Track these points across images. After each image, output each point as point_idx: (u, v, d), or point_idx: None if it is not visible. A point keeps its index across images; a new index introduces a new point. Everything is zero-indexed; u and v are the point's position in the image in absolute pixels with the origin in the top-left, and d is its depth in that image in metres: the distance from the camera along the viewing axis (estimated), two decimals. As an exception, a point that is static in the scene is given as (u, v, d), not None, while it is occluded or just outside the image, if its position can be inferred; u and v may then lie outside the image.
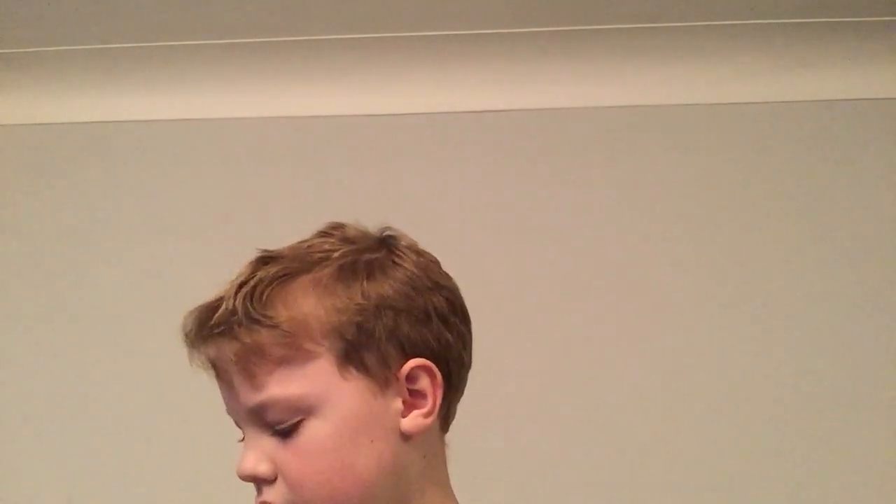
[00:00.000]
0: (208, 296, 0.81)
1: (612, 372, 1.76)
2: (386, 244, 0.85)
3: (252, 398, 0.78)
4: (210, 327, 0.78)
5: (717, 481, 1.71)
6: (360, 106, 1.90)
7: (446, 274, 0.87)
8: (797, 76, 1.87)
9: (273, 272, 0.79)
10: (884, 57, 1.85)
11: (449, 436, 0.87)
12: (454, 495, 0.86)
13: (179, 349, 0.81)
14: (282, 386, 0.76)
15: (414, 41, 1.83)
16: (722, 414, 1.74)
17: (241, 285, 0.79)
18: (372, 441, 0.77)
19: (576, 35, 1.83)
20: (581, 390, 1.75)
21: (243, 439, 0.81)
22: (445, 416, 0.85)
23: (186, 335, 0.80)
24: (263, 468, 0.77)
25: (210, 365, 0.80)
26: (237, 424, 0.82)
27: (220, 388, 0.81)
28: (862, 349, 1.75)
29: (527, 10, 1.77)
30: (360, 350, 0.78)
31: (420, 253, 0.85)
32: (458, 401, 0.87)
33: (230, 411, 0.82)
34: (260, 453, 0.78)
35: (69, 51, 1.85)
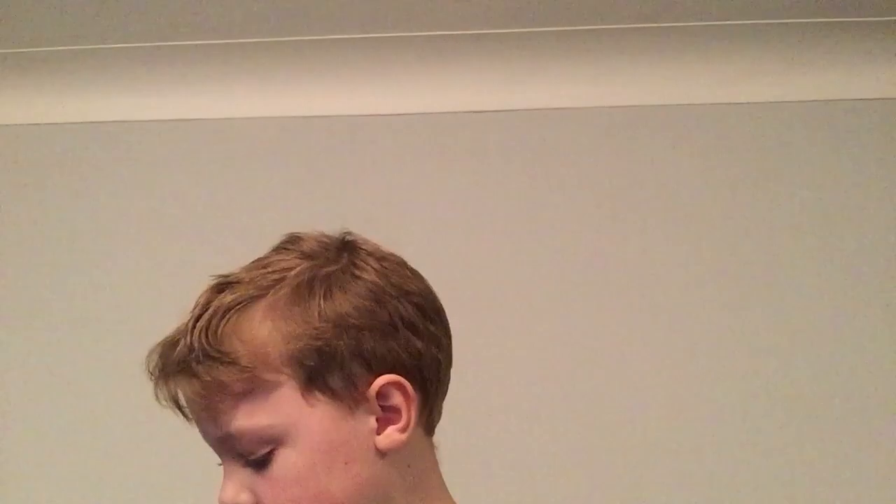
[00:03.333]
0: (172, 327, 0.79)
1: (614, 373, 1.75)
2: (346, 253, 0.81)
3: (219, 431, 0.77)
4: (170, 366, 0.77)
5: (717, 482, 1.71)
6: (360, 106, 1.90)
7: (414, 274, 0.83)
8: (797, 76, 1.87)
9: (227, 302, 0.77)
10: (884, 57, 1.84)
11: (440, 438, 0.84)
12: (450, 497, 0.84)
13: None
14: (248, 419, 0.75)
15: (414, 41, 1.83)
16: (722, 414, 1.74)
17: (196, 319, 0.77)
18: (347, 463, 0.76)
19: (576, 35, 1.82)
20: (582, 391, 1.75)
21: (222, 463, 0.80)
22: (429, 419, 0.82)
23: (150, 373, 0.79)
24: (244, 498, 0.76)
25: (174, 402, 0.78)
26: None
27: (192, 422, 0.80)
28: (861, 347, 1.75)
29: (527, 10, 1.77)
30: (323, 374, 0.76)
31: (383, 258, 0.82)
32: (443, 400, 0.84)
33: (205, 442, 0.80)
34: (238, 484, 0.77)
35: (69, 51, 1.85)
